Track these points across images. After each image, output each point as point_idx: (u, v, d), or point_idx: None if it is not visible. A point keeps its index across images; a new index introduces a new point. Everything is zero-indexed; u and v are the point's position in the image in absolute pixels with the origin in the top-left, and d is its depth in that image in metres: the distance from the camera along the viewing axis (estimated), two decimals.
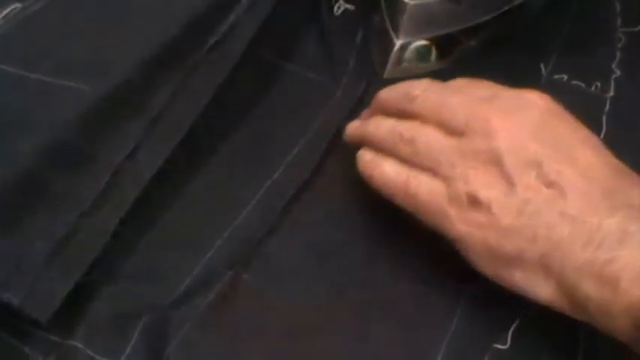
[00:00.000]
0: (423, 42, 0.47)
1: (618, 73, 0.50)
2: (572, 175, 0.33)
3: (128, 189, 0.37)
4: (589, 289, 0.30)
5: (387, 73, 0.46)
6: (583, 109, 0.41)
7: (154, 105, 0.39)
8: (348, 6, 0.49)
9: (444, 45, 0.47)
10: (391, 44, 0.45)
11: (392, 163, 0.37)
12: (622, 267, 0.30)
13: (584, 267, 0.31)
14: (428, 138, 0.36)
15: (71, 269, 0.34)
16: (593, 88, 0.48)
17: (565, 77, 0.49)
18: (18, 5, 0.44)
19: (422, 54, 0.47)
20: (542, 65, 0.48)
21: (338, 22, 0.48)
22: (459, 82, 0.38)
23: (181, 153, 0.39)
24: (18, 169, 0.35)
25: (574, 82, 0.48)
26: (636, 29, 0.52)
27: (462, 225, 0.34)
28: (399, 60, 0.46)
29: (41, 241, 0.34)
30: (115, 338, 0.34)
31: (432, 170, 0.35)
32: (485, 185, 0.34)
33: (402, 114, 0.38)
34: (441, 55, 0.47)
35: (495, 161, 0.34)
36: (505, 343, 0.36)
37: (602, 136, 0.44)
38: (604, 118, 0.47)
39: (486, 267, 0.34)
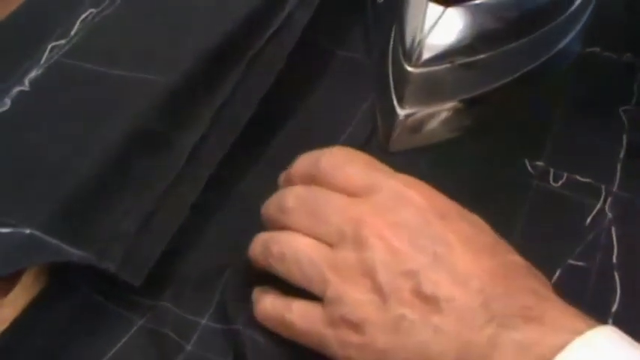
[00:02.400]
0: (428, 111, 0.45)
1: None
2: (448, 286, 0.31)
3: (203, 167, 0.41)
4: None
5: (392, 147, 0.44)
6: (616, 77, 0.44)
7: (222, 92, 0.43)
8: None
9: (459, 111, 0.46)
10: (395, 115, 0.44)
11: (270, 298, 0.35)
12: None
13: None
14: (297, 254, 0.33)
15: (158, 239, 0.39)
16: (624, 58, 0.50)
17: (598, 49, 0.51)
18: (93, 10, 0.48)
19: (428, 124, 0.46)
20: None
21: (381, 11, 0.51)
22: (338, 161, 0.35)
23: (249, 132, 0.42)
24: (108, 154, 0.39)
25: (606, 53, 0.51)
26: None
27: (340, 348, 0.32)
28: (404, 131, 0.45)
29: (131, 216, 0.38)
30: (200, 298, 0.38)
31: (307, 288, 0.33)
32: (358, 304, 0.31)
33: (278, 226, 0.36)
34: (449, 125, 0.46)
35: (368, 273, 0.31)
36: None
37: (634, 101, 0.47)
38: (635, 86, 0.49)
39: None
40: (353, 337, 0.32)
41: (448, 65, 0.43)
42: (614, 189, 0.43)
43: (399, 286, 0.31)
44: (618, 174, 0.44)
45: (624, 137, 0.45)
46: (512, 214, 0.42)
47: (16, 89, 0.43)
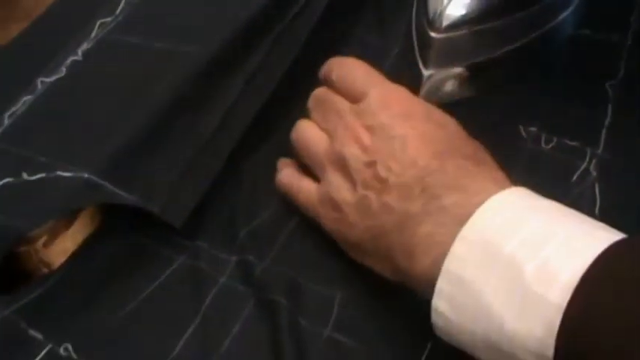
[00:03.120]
0: (451, 71, 0.50)
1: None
2: (397, 170, 0.38)
3: (235, 128, 0.47)
4: (402, 262, 0.36)
5: None
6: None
7: (251, 63, 0.48)
8: None
9: (472, 73, 0.50)
10: (420, 75, 0.49)
11: (289, 170, 0.45)
12: (417, 242, 0.35)
13: (399, 247, 0.36)
14: (307, 143, 0.44)
15: (197, 186, 0.44)
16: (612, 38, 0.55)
17: (588, 32, 0.56)
18: None
19: (451, 83, 0.50)
20: None
21: None
22: (345, 71, 0.44)
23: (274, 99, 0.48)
24: (152, 111, 0.45)
25: (596, 34, 0.56)
26: None
27: (326, 221, 0.41)
28: (429, 89, 0.50)
29: (173, 166, 0.44)
30: (230, 239, 0.44)
31: (314, 170, 0.43)
32: (339, 188, 0.40)
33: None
34: (470, 84, 0.51)
35: (344, 165, 0.40)
36: None
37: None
38: (621, 64, 0.54)
39: (351, 254, 0.41)
40: (334, 214, 0.40)
41: (465, 31, 0.47)
42: (599, 152, 0.48)
43: (363, 173, 0.39)
44: (602, 139, 0.49)
45: (609, 108, 0.50)
46: (508, 171, 0.47)
47: (70, 59, 0.49)
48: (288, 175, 0.45)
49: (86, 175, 0.41)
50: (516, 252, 0.32)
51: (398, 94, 0.42)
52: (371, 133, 0.40)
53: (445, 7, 0.47)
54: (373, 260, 0.40)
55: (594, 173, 0.46)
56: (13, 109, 0.46)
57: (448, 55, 0.48)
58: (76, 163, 0.41)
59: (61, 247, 0.42)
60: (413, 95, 0.42)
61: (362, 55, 0.49)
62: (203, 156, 0.45)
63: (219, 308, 0.41)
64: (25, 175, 0.41)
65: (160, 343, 0.40)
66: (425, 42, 0.48)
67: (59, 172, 0.41)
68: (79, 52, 0.49)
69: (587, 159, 0.47)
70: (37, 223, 0.41)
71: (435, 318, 0.34)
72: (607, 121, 0.49)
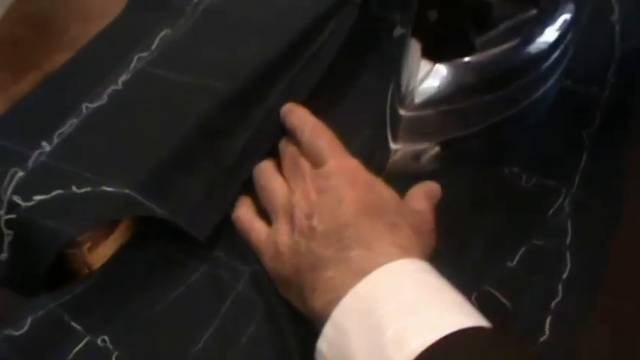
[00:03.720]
0: (418, 147, 0.53)
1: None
2: (327, 224, 0.44)
3: (254, 154, 0.53)
4: (307, 298, 0.43)
5: (385, 173, 0.52)
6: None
7: (270, 98, 0.55)
8: (403, 30, 0.62)
9: (436, 151, 0.54)
10: (388, 149, 0.53)
11: (244, 210, 0.51)
12: (320, 283, 0.42)
13: (309, 285, 0.43)
14: (274, 194, 0.50)
15: (220, 205, 0.51)
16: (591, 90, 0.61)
17: (569, 82, 0.61)
18: (168, 30, 0.60)
19: (416, 158, 0.54)
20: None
21: (395, 44, 0.61)
22: (312, 138, 0.51)
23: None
24: (182, 138, 0.51)
25: (576, 86, 0.62)
26: None
27: (267, 260, 0.47)
28: (395, 162, 0.54)
29: (201, 185, 0.50)
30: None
31: (270, 214, 0.49)
32: (282, 233, 0.46)
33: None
34: (437, 158, 0.54)
35: (292, 213, 0.46)
36: None
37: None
38: (597, 114, 0.60)
39: (279, 288, 0.47)
40: (273, 254, 0.47)
41: (433, 111, 0.52)
42: (573, 191, 0.54)
43: (302, 223, 0.45)
44: (577, 180, 0.55)
45: (584, 153, 0.57)
46: (492, 206, 0.54)
47: (111, 88, 0.55)
48: (244, 214, 0.51)
49: (126, 191, 0.47)
50: (385, 316, 0.38)
51: (350, 165, 0.48)
52: (319, 193, 0.47)
53: (416, 87, 0.51)
54: (293, 294, 0.46)
55: (567, 209, 0.53)
56: (61, 129, 0.52)
57: (416, 132, 0.53)
58: (118, 181, 0.48)
59: (102, 252, 0.48)
60: (362, 167, 0.48)
61: (364, 99, 0.56)
62: (226, 179, 0.52)
63: (237, 311, 0.47)
64: (74, 188, 0.47)
65: (185, 337, 0.46)
66: (394, 118, 0.53)
67: (104, 188, 0.47)
68: (119, 82, 0.55)
69: (562, 197, 0.54)
70: (84, 229, 0.47)
71: (317, 356, 0.41)
72: (582, 165, 0.56)
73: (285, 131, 0.54)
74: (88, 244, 0.48)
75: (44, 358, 0.45)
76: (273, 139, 0.54)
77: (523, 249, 0.51)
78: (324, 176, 0.47)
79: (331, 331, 0.40)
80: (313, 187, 0.47)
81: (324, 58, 0.58)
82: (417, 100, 0.51)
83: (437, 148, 0.54)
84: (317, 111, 0.54)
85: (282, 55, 0.56)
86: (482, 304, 0.46)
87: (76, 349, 0.45)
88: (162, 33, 0.59)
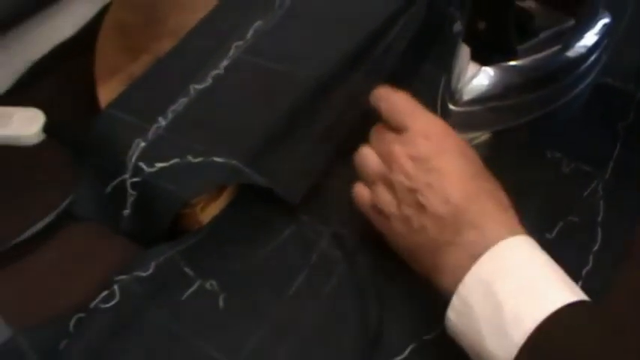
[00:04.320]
0: (467, 136, 0.59)
1: None
2: (434, 200, 0.49)
3: (338, 134, 0.62)
4: (432, 275, 0.49)
5: None
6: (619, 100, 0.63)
7: (350, 84, 0.64)
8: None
9: (482, 141, 0.62)
10: None
11: (365, 190, 0.55)
12: (443, 265, 0.48)
13: (432, 265, 0.49)
14: (365, 162, 0.55)
15: (308, 176, 0.60)
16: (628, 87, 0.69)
17: (610, 80, 0.69)
18: (260, 22, 0.69)
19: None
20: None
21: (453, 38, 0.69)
22: (396, 109, 0.54)
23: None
24: (277, 117, 0.60)
25: (615, 83, 0.70)
26: None
27: (378, 224, 0.53)
28: None
29: (293, 158, 0.60)
30: (327, 215, 0.60)
31: (366, 184, 0.54)
32: (389, 204, 0.51)
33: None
34: (480, 149, 0.58)
35: (392, 187, 0.51)
36: None
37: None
38: (632, 108, 0.68)
39: (395, 250, 0.53)
40: (383, 220, 0.53)
41: (479, 107, 0.60)
42: (606, 176, 0.63)
43: (407, 197, 0.50)
44: (610, 167, 0.64)
45: (618, 143, 0.65)
46: (536, 186, 0.63)
47: (214, 72, 0.64)
48: (361, 193, 0.55)
49: (233, 162, 0.57)
50: (502, 295, 0.45)
51: (435, 127, 0.52)
52: (413, 162, 0.50)
53: (464, 86, 0.59)
54: (411, 261, 0.52)
55: (601, 192, 0.62)
56: (174, 107, 0.62)
57: (463, 124, 0.59)
58: (225, 153, 0.57)
59: (211, 212, 0.58)
60: (448, 129, 0.52)
61: (422, 87, 0.64)
62: (312, 154, 0.61)
63: (321, 265, 0.57)
64: (189, 158, 0.57)
65: (278, 285, 0.56)
66: (445, 111, 0.61)
67: (214, 158, 0.57)
68: (221, 67, 0.65)
69: (596, 181, 0.62)
70: (198, 193, 0.57)
71: (447, 323, 0.48)
72: (615, 154, 0.64)
73: (363, 116, 0.63)
74: (200, 205, 0.57)
75: (164, 296, 0.55)
76: (353, 121, 0.63)
77: (561, 224, 0.60)
78: (412, 141, 0.51)
79: (459, 304, 0.47)
80: (403, 152, 0.51)
81: (396, 49, 0.67)
82: (465, 97, 0.60)
83: (487, 135, 0.62)
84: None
85: (360, 47, 0.65)
86: None
87: (190, 290, 0.55)
88: (256, 24, 0.68)
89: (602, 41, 0.63)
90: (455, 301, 0.47)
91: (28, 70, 0.73)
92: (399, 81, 0.65)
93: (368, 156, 0.54)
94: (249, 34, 0.68)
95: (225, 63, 0.65)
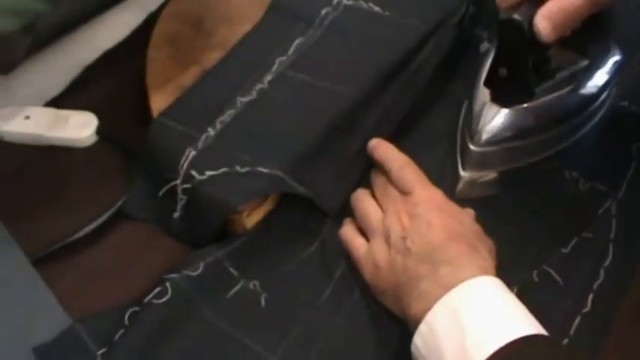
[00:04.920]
0: (483, 175, 0.65)
1: None
2: (420, 246, 0.55)
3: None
4: (405, 307, 0.54)
5: (457, 195, 0.64)
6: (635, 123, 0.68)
7: (384, 102, 0.69)
8: (489, 45, 0.73)
9: (502, 177, 0.65)
10: (458, 175, 0.66)
11: (348, 227, 0.63)
12: (416, 295, 0.53)
13: (405, 296, 0.54)
14: (368, 213, 0.62)
15: (345, 187, 0.66)
16: None
17: (626, 103, 0.75)
18: (301, 39, 0.74)
19: (483, 183, 0.66)
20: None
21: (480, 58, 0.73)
22: (403, 174, 0.63)
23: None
24: (316, 133, 0.65)
25: (631, 107, 0.75)
26: None
27: (366, 273, 0.59)
28: (464, 186, 0.66)
29: (330, 170, 0.65)
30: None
31: (366, 232, 0.61)
32: (380, 251, 0.58)
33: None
34: (499, 185, 0.66)
35: (388, 235, 0.58)
36: None
37: None
38: None
39: (377, 296, 0.58)
40: (372, 268, 0.58)
41: (497, 147, 0.63)
42: (620, 196, 0.68)
43: (398, 243, 0.57)
44: (624, 187, 0.69)
45: (633, 164, 0.70)
46: (554, 204, 0.68)
47: (258, 86, 0.70)
48: (348, 230, 0.63)
49: (277, 173, 0.62)
50: (468, 320, 0.49)
51: (436, 195, 0.60)
52: (411, 217, 0.58)
53: (484, 127, 0.63)
54: (390, 302, 0.57)
55: (614, 211, 0.67)
56: (222, 117, 0.67)
57: (482, 163, 0.64)
58: (270, 164, 0.62)
59: (254, 217, 0.63)
60: (446, 198, 0.60)
61: (448, 103, 0.70)
62: (348, 167, 0.66)
63: (348, 273, 0.62)
64: (237, 168, 0.62)
65: (313, 288, 0.61)
66: (464, 150, 0.65)
67: (259, 168, 0.62)
68: (265, 81, 0.70)
69: (611, 200, 0.67)
70: (245, 200, 0.62)
71: (413, 349, 0.52)
72: (629, 174, 0.69)
73: (396, 134, 0.68)
74: (247, 212, 0.62)
75: (211, 294, 0.60)
76: (385, 136, 0.68)
77: (575, 239, 0.64)
78: (413, 203, 0.59)
79: (425, 330, 0.51)
80: (404, 211, 0.59)
81: (427, 69, 0.72)
82: (484, 137, 0.63)
83: (493, 175, 0.66)
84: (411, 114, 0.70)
85: (395, 66, 0.70)
86: (541, 280, 0.61)
87: (234, 289, 0.61)
88: (297, 41, 0.73)
89: (613, 79, 0.67)
90: (422, 327, 0.52)
91: (80, 75, 0.78)
92: (428, 97, 0.71)
93: (374, 211, 0.62)
94: (291, 50, 0.73)
95: (269, 77, 0.70)
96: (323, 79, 0.70)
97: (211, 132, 0.65)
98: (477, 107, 0.64)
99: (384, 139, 0.68)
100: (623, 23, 0.74)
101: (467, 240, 0.56)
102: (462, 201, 0.62)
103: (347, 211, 0.65)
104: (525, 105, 0.63)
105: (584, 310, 0.60)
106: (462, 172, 0.66)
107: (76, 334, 0.58)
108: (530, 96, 0.64)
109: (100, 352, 0.57)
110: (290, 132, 0.65)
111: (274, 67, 0.71)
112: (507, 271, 0.57)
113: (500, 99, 0.63)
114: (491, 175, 0.66)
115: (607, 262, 0.63)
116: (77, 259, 0.64)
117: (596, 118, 0.68)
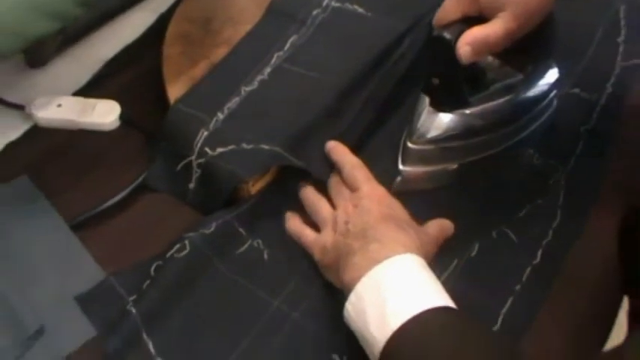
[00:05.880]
0: (421, 169, 0.75)
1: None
2: (358, 223, 0.65)
3: (356, 130, 0.79)
4: (341, 277, 0.63)
5: (395, 188, 0.74)
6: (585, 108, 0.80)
7: (367, 89, 0.81)
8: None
9: (437, 174, 0.75)
10: (397, 169, 0.75)
11: (294, 221, 0.73)
12: (350, 266, 0.61)
13: (342, 268, 0.63)
14: (320, 208, 0.71)
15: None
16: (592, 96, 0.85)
17: (577, 90, 0.86)
18: (295, 36, 0.86)
19: (420, 178, 0.76)
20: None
21: None
22: (352, 173, 0.72)
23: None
24: (309, 115, 0.77)
25: (581, 93, 0.87)
26: None
27: (316, 255, 0.68)
28: (402, 180, 0.75)
29: (321, 147, 0.76)
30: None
31: (318, 223, 0.71)
32: (328, 236, 0.67)
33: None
34: (435, 179, 0.75)
35: (335, 222, 0.67)
36: None
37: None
38: (594, 114, 0.84)
39: (323, 272, 0.68)
40: (322, 249, 0.67)
41: (434, 146, 0.73)
42: (568, 169, 0.80)
43: (341, 227, 0.66)
44: (572, 162, 0.80)
45: (580, 143, 0.81)
46: (512, 175, 0.79)
47: (259, 77, 0.81)
48: (296, 223, 0.72)
49: (277, 149, 0.74)
50: (388, 292, 0.58)
51: (379, 190, 0.69)
52: (354, 207, 0.66)
53: (422, 126, 0.73)
54: (332, 275, 0.66)
55: (562, 182, 0.78)
56: (229, 104, 0.78)
57: (420, 160, 0.74)
58: (271, 142, 0.74)
59: (258, 186, 0.75)
60: (387, 193, 0.68)
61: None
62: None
63: None
64: (243, 145, 0.74)
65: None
66: (404, 146, 0.75)
67: (262, 145, 0.74)
68: (265, 72, 0.81)
69: (560, 172, 0.79)
70: (251, 172, 0.74)
71: (345, 314, 0.60)
72: (578, 150, 0.80)
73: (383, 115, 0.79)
74: (252, 182, 0.74)
75: (222, 250, 0.71)
76: (370, 117, 0.80)
77: (529, 205, 0.76)
78: (359, 197, 0.67)
79: (354, 298, 0.59)
80: (351, 204, 0.67)
81: (403, 62, 0.83)
82: (421, 138, 0.74)
83: (436, 172, 0.76)
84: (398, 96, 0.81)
85: (375, 60, 0.82)
86: (499, 237, 0.73)
87: (242, 247, 0.72)
88: (292, 38, 0.85)
89: (552, 90, 0.78)
90: (352, 296, 0.60)
91: (102, 68, 0.90)
92: (404, 90, 0.83)
93: (324, 205, 0.72)
94: (287, 46, 0.84)
95: (268, 69, 0.82)
96: (314, 71, 0.81)
97: (220, 116, 0.77)
98: (417, 110, 0.74)
99: (364, 124, 0.79)
100: (570, 27, 0.84)
101: (396, 222, 0.64)
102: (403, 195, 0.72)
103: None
104: (459, 111, 0.72)
105: (534, 262, 0.72)
106: (400, 166, 0.76)
107: (110, 285, 0.69)
108: (464, 105, 0.72)
109: (130, 298, 0.68)
110: (287, 115, 0.77)
111: (272, 61, 0.83)
112: (470, 231, 0.70)
113: (440, 104, 0.72)
114: (429, 169, 0.76)
115: (555, 224, 0.74)
116: (107, 225, 0.75)
117: (538, 122, 0.79)
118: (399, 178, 0.75)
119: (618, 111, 0.84)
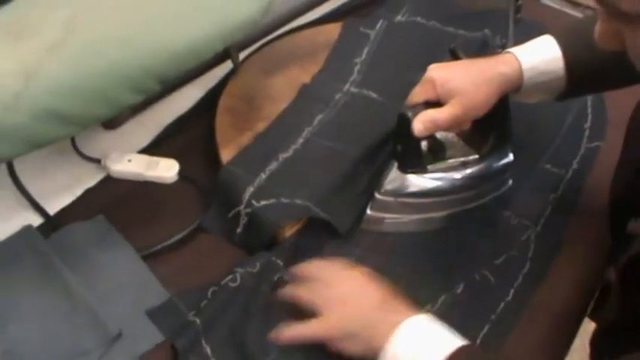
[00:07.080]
0: (387, 215, 0.94)
1: None
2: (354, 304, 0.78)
3: (372, 188, 1.00)
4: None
5: (361, 226, 0.95)
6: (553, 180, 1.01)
7: (378, 159, 1.02)
8: None
9: (400, 221, 0.93)
10: (366, 213, 0.94)
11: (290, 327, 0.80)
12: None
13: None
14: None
15: (353, 216, 0.98)
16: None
17: (549, 166, 1.09)
18: (322, 115, 1.06)
19: (387, 220, 0.94)
20: None
21: None
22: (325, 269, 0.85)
23: None
24: (332, 179, 0.98)
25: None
26: None
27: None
28: (371, 221, 0.95)
29: (344, 205, 0.96)
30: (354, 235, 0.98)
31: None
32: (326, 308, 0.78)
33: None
34: (397, 223, 0.93)
35: (313, 304, 0.78)
36: None
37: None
38: (561, 185, 1.06)
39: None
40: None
41: (397, 199, 0.92)
42: (538, 229, 0.99)
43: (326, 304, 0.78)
44: (542, 222, 0.99)
45: (548, 207, 1.01)
46: (492, 233, 0.99)
47: (293, 147, 0.99)
48: (291, 332, 0.80)
49: (307, 204, 0.93)
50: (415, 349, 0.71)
51: (353, 280, 0.81)
52: (334, 296, 0.79)
53: (388, 183, 0.93)
54: (346, 346, 0.76)
55: (532, 238, 0.97)
56: (269, 167, 0.98)
57: (385, 208, 0.93)
58: (302, 198, 0.93)
59: (291, 231, 0.94)
60: (361, 279, 0.81)
61: None
62: (355, 202, 0.97)
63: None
64: (282, 199, 0.94)
65: None
66: (373, 197, 0.94)
67: (296, 200, 0.93)
68: (298, 143, 1.01)
69: (531, 230, 0.98)
70: (287, 221, 0.92)
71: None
72: (546, 214, 1.00)
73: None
74: (286, 228, 0.93)
75: (263, 283, 0.90)
76: (377, 184, 1.00)
77: (505, 255, 0.95)
78: (333, 284, 0.81)
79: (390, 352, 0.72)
80: (330, 294, 0.80)
81: None
82: (387, 191, 0.94)
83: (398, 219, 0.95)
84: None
85: (384, 136, 1.01)
86: (480, 278, 0.91)
87: (277, 275, 0.91)
88: (319, 116, 1.06)
89: (504, 172, 0.97)
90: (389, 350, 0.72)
91: (161, 132, 1.10)
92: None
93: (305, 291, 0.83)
94: (315, 122, 1.05)
95: (301, 141, 1.02)
96: (338, 143, 1.01)
97: (263, 176, 0.97)
98: (389, 166, 0.94)
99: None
100: (544, 111, 1.06)
101: (370, 301, 0.79)
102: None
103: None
104: (418, 175, 0.92)
105: (507, 299, 0.90)
106: (368, 211, 0.95)
107: (174, 303, 0.87)
108: (423, 171, 0.92)
109: (190, 313, 0.86)
110: (316, 178, 0.96)
111: (304, 134, 1.03)
112: (457, 273, 0.89)
113: (403, 167, 0.92)
114: (388, 217, 0.95)
115: (525, 270, 0.93)
116: (169, 258, 0.94)
117: (498, 192, 1.00)
118: (369, 221, 0.95)
119: (581, 183, 1.04)
